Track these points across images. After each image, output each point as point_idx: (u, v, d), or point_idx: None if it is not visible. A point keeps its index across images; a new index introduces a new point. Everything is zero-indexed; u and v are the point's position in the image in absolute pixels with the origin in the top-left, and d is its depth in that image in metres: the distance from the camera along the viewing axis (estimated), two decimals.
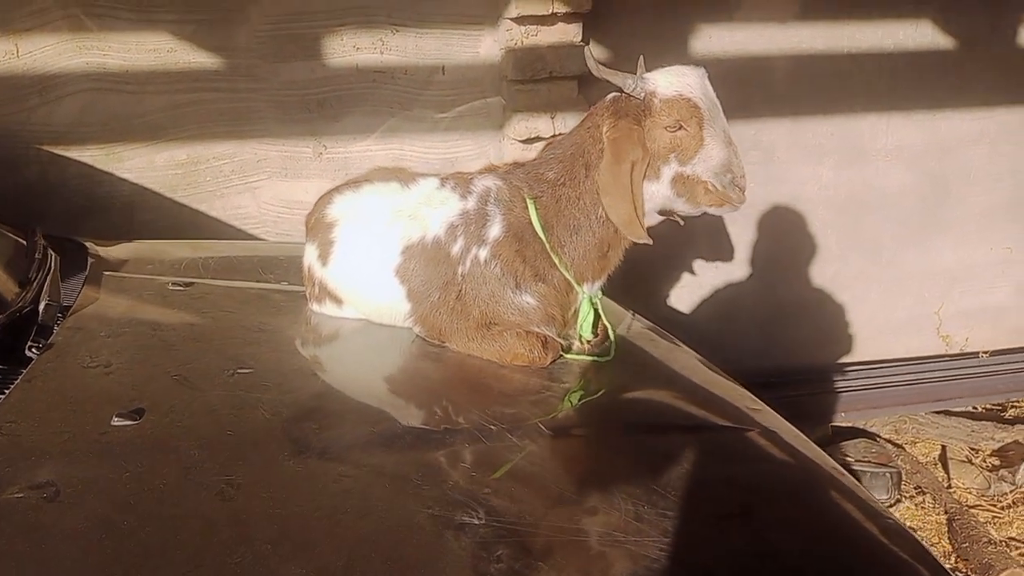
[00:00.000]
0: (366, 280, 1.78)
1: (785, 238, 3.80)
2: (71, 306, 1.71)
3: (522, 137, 3.22)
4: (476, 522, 1.10)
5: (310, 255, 1.87)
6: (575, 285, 1.68)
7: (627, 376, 1.70)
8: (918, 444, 3.66)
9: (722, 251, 3.75)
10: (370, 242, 1.77)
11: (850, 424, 3.71)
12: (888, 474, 3.14)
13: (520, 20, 3.11)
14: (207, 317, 1.74)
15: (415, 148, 3.36)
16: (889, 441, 3.63)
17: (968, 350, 4.21)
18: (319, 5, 3.13)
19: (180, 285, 1.92)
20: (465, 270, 1.67)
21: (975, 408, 3.89)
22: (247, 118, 3.19)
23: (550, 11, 3.09)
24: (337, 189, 1.91)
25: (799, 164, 3.74)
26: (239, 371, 1.45)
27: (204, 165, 3.22)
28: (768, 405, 1.68)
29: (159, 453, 1.18)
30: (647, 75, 1.63)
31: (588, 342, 1.75)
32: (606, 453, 1.32)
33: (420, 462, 1.23)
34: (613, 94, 1.66)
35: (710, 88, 1.62)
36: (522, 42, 3.14)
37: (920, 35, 3.67)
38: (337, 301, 1.85)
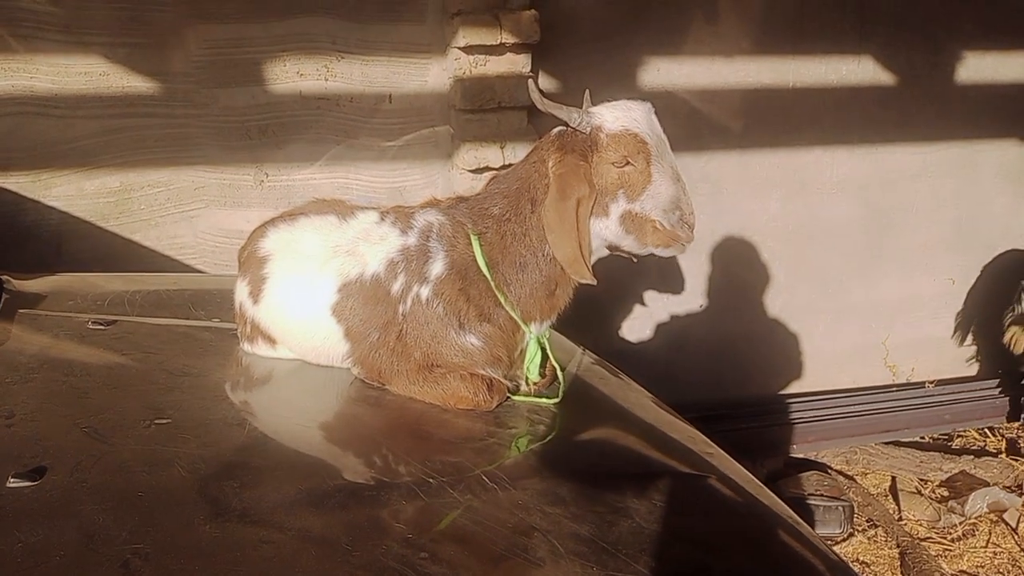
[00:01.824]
0: (301, 319, 1.68)
1: (734, 270, 3.80)
2: None
3: (471, 167, 3.16)
4: None
5: (241, 292, 1.76)
6: (522, 324, 1.61)
7: (577, 418, 1.63)
8: (868, 475, 3.66)
9: (673, 283, 3.73)
10: (305, 279, 1.67)
11: (802, 455, 3.70)
12: (841, 508, 3.12)
13: (468, 49, 3.06)
14: (128, 359, 1.61)
15: (361, 177, 3.27)
16: (840, 472, 3.62)
17: (914, 380, 4.26)
18: (260, 30, 3.04)
19: (101, 323, 1.79)
20: (406, 309, 1.58)
21: (923, 438, 3.92)
22: (184, 144, 3.07)
23: (498, 41, 3.05)
24: (271, 222, 1.81)
25: (747, 196, 3.75)
26: (156, 421, 1.34)
27: (138, 193, 3.09)
28: (721, 443, 1.62)
29: (59, 519, 1.06)
30: (593, 109, 1.58)
31: (536, 383, 1.68)
32: (553, 507, 1.24)
33: (351, 523, 1.13)
34: (559, 128, 1.61)
35: (657, 123, 1.57)
36: (471, 71, 3.09)
37: (863, 70, 3.74)
38: (270, 341, 1.74)
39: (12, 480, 1.11)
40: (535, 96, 1.57)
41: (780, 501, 1.46)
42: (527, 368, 1.65)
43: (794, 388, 4.03)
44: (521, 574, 1.08)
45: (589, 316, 3.59)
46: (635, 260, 1.74)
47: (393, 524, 1.15)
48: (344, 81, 3.16)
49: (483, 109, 3.13)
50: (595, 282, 1.56)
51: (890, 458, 3.67)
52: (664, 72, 3.51)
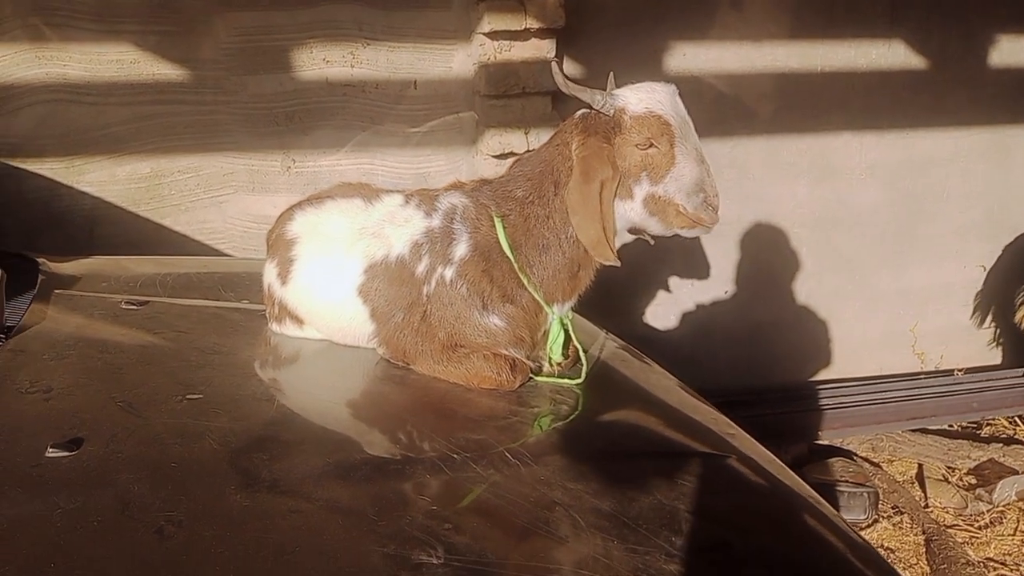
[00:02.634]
0: (328, 300, 1.71)
1: (760, 256, 3.78)
2: (16, 326, 1.62)
3: (495, 152, 3.17)
4: (435, 561, 1.02)
5: (270, 273, 1.80)
6: (544, 306, 1.62)
7: (599, 399, 1.64)
8: (895, 463, 3.63)
9: (697, 269, 3.72)
10: (332, 260, 1.70)
11: (827, 442, 3.68)
12: (866, 494, 3.10)
13: (493, 35, 3.07)
14: (160, 338, 1.65)
15: (386, 163, 3.29)
16: (866, 459, 3.60)
17: (943, 368, 4.21)
18: (287, 18, 3.07)
19: (134, 304, 1.83)
20: (430, 290, 1.61)
21: (951, 426, 3.88)
22: (213, 131, 3.12)
23: (523, 27, 3.05)
24: (298, 205, 1.84)
25: (774, 182, 3.72)
26: (188, 397, 1.37)
27: (168, 179, 3.14)
28: (744, 426, 1.62)
29: (95, 487, 1.10)
30: (616, 91, 1.58)
31: (558, 364, 1.69)
32: (575, 483, 1.25)
33: (377, 495, 1.16)
34: (582, 111, 1.61)
35: (681, 105, 1.57)
36: (495, 57, 3.10)
37: (893, 54, 3.68)
38: (298, 321, 1.77)
39: (51, 450, 1.15)
40: (559, 79, 1.58)
41: (802, 482, 1.46)
42: (550, 348, 1.67)
43: (821, 375, 4.00)
44: (543, 546, 1.10)
45: (613, 302, 3.60)
46: (652, 242, 1.74)
47: (418, 497, 1.17)
48: (370, 67, 3.19)
49: (507, 95, 3.13)
50: (619, 263, 1.57)
51: (917, 445, 3.63)
52: (690, 57, 3.48)
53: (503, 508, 1.17)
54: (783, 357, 3.91)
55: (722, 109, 3.58)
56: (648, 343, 3.66)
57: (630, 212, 1.59)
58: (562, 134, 1.62)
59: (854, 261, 3.92)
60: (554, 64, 1.61)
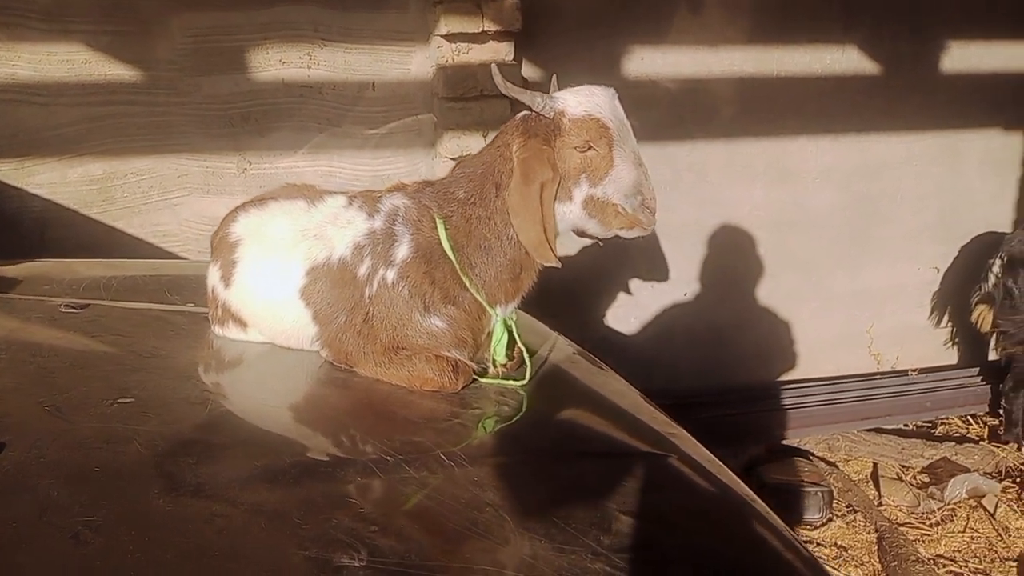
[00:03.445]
0: (270, 302, 1.69)
1: (719, 258, 3.82)
2: None
3: (454, 155, 3.17)
4: (356, 564, 1.02)
5: (213, 276, 1.78)
6: (487, 307, 1.63)
7: (542, 400, 1.64)
8: (850, 462, 3.69)
9: (657, 271, 3.75)
10: (274, 262, 1.69)
11: (785, 442, 3.72)
12: (820, 493, 3.14)
13: (450, 37, 3.07)
14: (97, 341, 1.63)
15: (344, 165, 3.28)
16: (822, 459, 3.65)
17: (899, 368, 4.27)
18: (243, 18, 3.05)
19: (73, 307, 1.81)
20: (372, 292, 1.60)
21: (905, 426, 3.95)
22: (167, 132, 3.09)
23: (480, 29, 3.06)
24: (242, 207, 1.83)
25: (732, 185, 3.77)
26: (120, 400, 1.35)
27: (121, 180, 3.10)
28: (691, 427, 1.64)
29: (15, 493, 1.08)
30: (556, 94, 1.59)
31: (503, 366, 1.69)
32: (508, 485, 1.26)
33: (303, 499, 1.15)
34: (523, 113, 1.62)
35: (620, 108, 1.58)
36: (453, 59, 3.10)
37: (847, 59, 3.75)
38: (241, 324, 1.76)
39: None
40: (498, 80, 1.59)
41: (740, 482, 1.48)
42: (494, 350, 1.67)
43: (780, 376, 4.05)
44: (469, 548, 1.10)
45: (573, 303, 3.62)
46: (601, 244, 1.75)
47: (346, 499, 1.17)
48: (327, 69, 3.17)
49: (465, 97, 3.14)
50: (559, 265, 1.58)
51: (872, 445, 3.69)
52: (648, 61, 3.51)
53: (432, 510, 1.17)
54: (743, 358, 3.95)
55: (680, 113, 3.61)
56: (609, 345, 3.71)
57: (570, 214, 1.60)
58: (503, 136, 1.62)
59: (810, 263, 3.97)
60: (493, 66, 1.61)
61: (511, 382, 1.68)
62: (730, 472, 1.53)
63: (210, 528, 1.07)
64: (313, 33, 3.13)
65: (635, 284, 3.75)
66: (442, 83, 3.12)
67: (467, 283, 1.59)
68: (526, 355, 1.70)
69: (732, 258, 3.86)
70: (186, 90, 3.05)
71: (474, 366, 1.65)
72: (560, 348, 2.03)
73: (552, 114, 1.55)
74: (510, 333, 1.69)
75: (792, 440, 3.75)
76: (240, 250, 1.74)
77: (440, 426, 1.49)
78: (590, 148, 1.53)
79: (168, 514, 1.08)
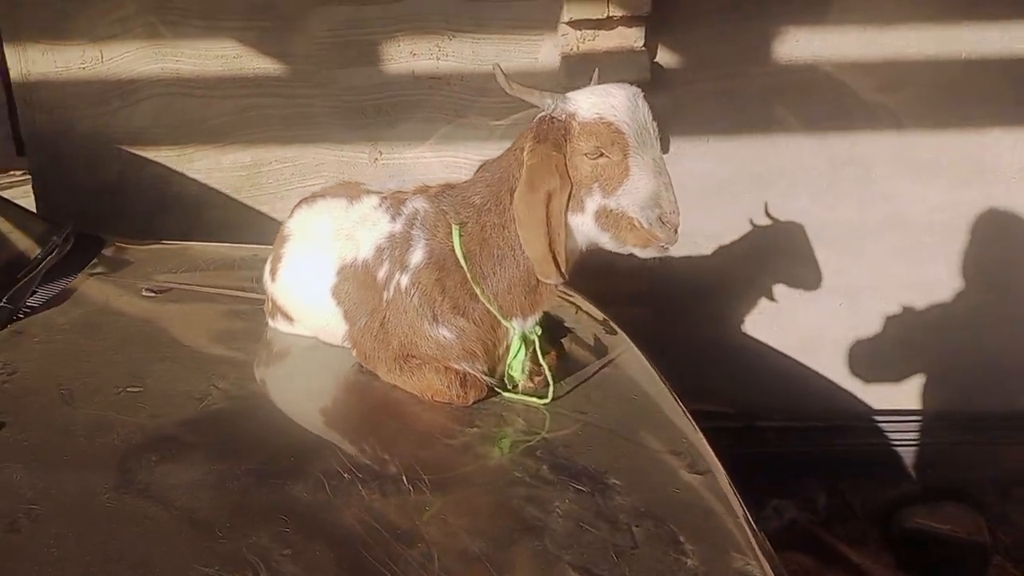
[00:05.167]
0: (308, 298, 1.72)
1: (883, 265, 3.37)
2: (34, 308, 1.77)
3: None
4: None
5: (266, 269, 1.84)
6: (502, 320, 1.53)
7: (560, 423, 1.53)
8: None
9: (806, 276, 3.39)
10: (312, 260, 1.71)
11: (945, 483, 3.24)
12: (971, 547, 2.69)
13: (575, 24, 2.95)
14: (150, 327, 1.75)
15: (469, 156, 3.28)
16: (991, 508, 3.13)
17: None
18: (376, 12, 3.12)
19: (153, 291, 1.95)
20: (389, 296, 1.57)
21: None
22: (306, 123, 3.25)
23: (605, 15, 2.90)
24: (302, 201, 1.87)
25: (903, 183, 3.30)
26: (128, 389, 1.44)
27: (266, 168, 3.32)
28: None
29: None
30: (570, 94, 1.45)
31: (526, 382, 1.59)
32: (457, 518, 1.18)
33: (237, 509, 1.15)
34: (541, 114, 1.49)
35: (642, 111, 1.40)
36: (577, 47, 2.98)
37: None
38: (288, 318, 1.81)
39: None
40: (500, 79, 1.48)
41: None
42: (509, 365, 1.57)
43: (947, 405, 3.51)
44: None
45: (705, 308, 3.38)
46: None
47: (278, 516, 1.15)
48: (455, 60, 3.18)
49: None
50: (561, 282, 1.45)
51: None
52: (804, 43, 3.16)
53: (356, 538, 1.12)
54: (906, 381, 3.48)
55: (841, 100, 3.22)
56: (745, 354, 3.43)
57: (583, 226, 1.46)
58: (521, 139, 1.51)
59: (1003, 275, 3.39)
60: (495, 66, 1.50)
61: (535, 400, 1.58)
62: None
63: (135, 531, 1.10)
64: (443, 25, 3.14)
65: (780, 290, 3.41)
66: (565, 72, 3.01)
67: (479, 293, 1.51)
68: (548, 373, 1.58)
69: (900, 266, 3.39)
70: (323, 82, 3.20)
71: (487, 380, 1.57)
72: (621, 363, 1.88)
73: (563, 116, 1.42)
74: (535, 348, 1.59)
75: (958, 480, 3.25)
76: (287, 245, 1.79)
77: (422, 442, 1.43)
78: (602, 155, 1.38)
79: (106, 512, 1.13)
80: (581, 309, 2.29)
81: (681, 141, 3.25)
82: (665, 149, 3.24)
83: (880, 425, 3.34)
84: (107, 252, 2.24)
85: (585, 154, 1.39)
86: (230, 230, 3.32)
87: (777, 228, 3.33)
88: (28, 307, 1.78)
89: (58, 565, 1.02)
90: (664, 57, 3.15)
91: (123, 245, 2.35)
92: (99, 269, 2.10)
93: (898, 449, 3.28)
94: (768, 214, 3.31)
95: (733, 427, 3.38)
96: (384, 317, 1.58)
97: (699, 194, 3.29)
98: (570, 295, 2.44)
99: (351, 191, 1.78)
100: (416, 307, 1.53)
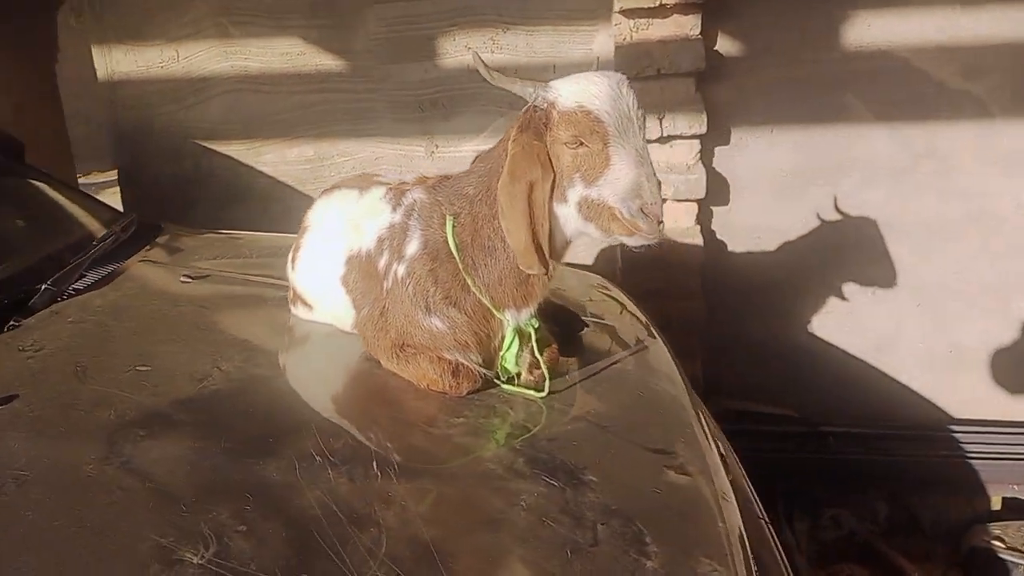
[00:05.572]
0: (321, 286, 1.77)
1: (967, 265, 3.15)
2: (79, 290, 1.89)
3: None
4: (195, 560, 1.04)
5: (289, 257, 1.90)
6: (495, 311, 1.52)
7: (552, 416, 1.50)
8: None
9: (878, 274, 3.20)
10: (325, 249, 1.75)
11: None
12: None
13: (627, 13, 2.89)
14: (176, 310, 1.84)
15: None
16: None
17: None
18: (430, 7, 3.16)
19: (190, 276, 2.04)
20: (388, 286, 1.59)
21: None
22: (365, 117, 3.33)
23: (658, 3, 2.83)
24: (324, 192, 1.92)
25: (988, 175, 3.06)
26: (139, 368, 1.52)
27: (328, 161, 3.42)
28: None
29: None
30: (552, 83, 1.42)
31: (519, 375, 1.58)
32: (416, 504, 1.18)
33: (206, 486, 1.19)
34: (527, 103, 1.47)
35: (625, 99, 1.35)
36: (630, 37, 2.92)
37: None
38: (307, 305, 1.86)
39: None
40: (480, 68, 1.46)
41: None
42: (503, 357, 1.56)
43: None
44: (320, 567, 1.05)
45: (767, 304, 3.24)
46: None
47: (243, 494, 1.18)
48: (510, 52, 3.18)
49: (641, 77, 2.93)
50: (545, 272, 1.42)
51: None
52: (877, 28, 2.98)
53: (312, 520, 1.14)
54: (990, 387, 3.24)
55: (918, 87, 3.02)
56: (810, 355, 3.27)
57: (568, 216, 1.43)
58: (509, 128, 1.49)
59: None
60: (474, 53, 1.49)
61: (532, 392, 1.57)
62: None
63: (106, 500, 1.16)
64: (496, 18, 3.14)
65: (850, 288, 3.24)
66: (617, 63, 2.95)
67: (470, 284, 1.51)
68: (544, 366, 1.56)
69: (986, 266, 3.15)
70: (380, 77, 3.26)
71: (483, 372, 1.56)
72: (639, 360, 1.84)
73: (545, 105, 1.39)
74: (532, 340, 1.57)
75: None
76: (306, 235, 1.84)
77: (407, 433, 1.44)
78: (581, 144, 1.34)
79: (86, 481, 1.19)
80: (626, 308, 2.25)
81: (743, 132, 3.13)
82: (726, 140, 3.14)
83: (958, 435, 3.12)
84: (161, 239, 2.36)
85: (565, 143, 1.36)
86: (294, 221, 3.43)
87: (847, 223, 3.16)
88: (75, 290, 1.90)
89: (30, 525, 1.09)
90: (724, 45, 3.04)
91: (179, 233, 2.47)
92: (150, 255, 2.22)
93: (976, 463, 3.05)
94: (838, 208, 3.15)
95: (795, 431, 3.23)
96: (384, 306, 1.60)
97: (763, 187, 3.16)
98: (611, 290, 2.41)
99: (363, 182, 1.81)
100: (411, 296, 1.54)
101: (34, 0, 5.11)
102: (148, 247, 2.28)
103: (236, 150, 3.46)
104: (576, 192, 1.39)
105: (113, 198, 3.66)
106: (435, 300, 1.52)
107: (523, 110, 1.48)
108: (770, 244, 3.25)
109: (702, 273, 3.10)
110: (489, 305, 1.52)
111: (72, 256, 2.03)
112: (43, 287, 1.81)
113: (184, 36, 3.34)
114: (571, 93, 1.36)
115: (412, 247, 1.56)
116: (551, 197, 1.40)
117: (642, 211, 1.32)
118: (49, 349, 1.59)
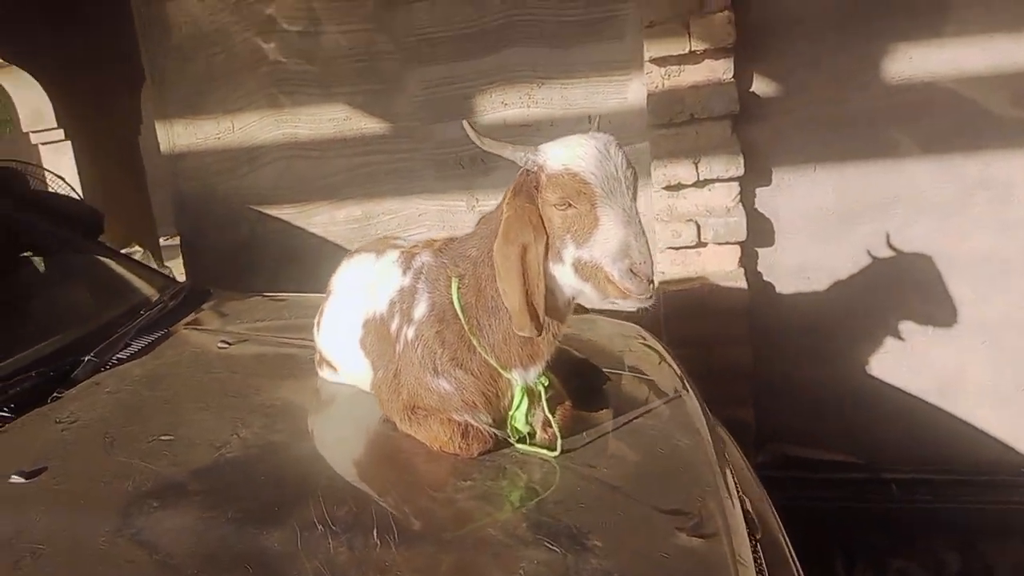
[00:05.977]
0: (342, 349, 1.81)
1: None
2: (119, 360, 1.99)
3: (663, 185, 3.00)
4: None
5: (315, 320, 1.96)
6: (502, 371, 1.52)
7: (554, 478, 1.48)
8: None
9: (938, 311, 3.07)
10: (344, 313, 1.80)
11: None
12: None
13: (658, 61, 2.91)
14: (208, 377, 1.91)
15: None
16: None
17: None
18: (467, 68, 3.25)
19: (228, 342, 2.12)
20: (400, 349, 1.62)
21: None
22: (409, 177, 3.43)
23: (687, 49, 2.84)
24: (348, 255, 1.98)
25: None
26: (162, 437, 1.57)
27: (375, 220, 3.52)
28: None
29: (8, 515, 1.33)
30: (542, 146, 1.43)
31: (532, 434, 1.57)
32: (452, 564, 1.19)
33: (208, 557, 1.21)
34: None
35: (613, 159, 1.35)
36: (662, 84, 2.93)
37: None
38: (332, 367, 1.90)
39: (14, 476, 1.42)
40: (471, 134, 1.49)
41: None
42: (512, 417, 1.56)
43: None
44: None
45: (825, 345, 3.14)
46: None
47: (243, 565, 1.21)
48: (545, 106, 3.23)
49: (674, 123, 2.94)
50: (539, 333, 1.42)
51: None
52: (919, 60, 2.90)
53: None
54: None
55: (968, 118, 2.92)
56: (868, 398, 3.14)
57: (564, 276, 1.43)
58: (506, 192, 1.51)
59: None
60: (464, 123, 1.52)
61: (545, 452, 1.56)
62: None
63: (113, 574, 1.20)
64: (532, 73, 3.21)
65: (908, 327, 3.11)
66: (650, 110, 2.96)
67: (476, 344, 1.52)
68: (555, 424, 1.55)
69: None
70: (421, 137, 3.36)
71: (494, 432, 1.56)
72: (662, 413, 1.80)
73: (535, 169, 1.41)
74: (540, 399, 1.57)
75: None
76: (329, 299, 1.89)
77: (412, 498, 1.43)
78: (569, 206, 1.35)
79: (97, 554, 1.24)
80: (664, 359, 2.22)
81: (784, 171, 3.08)
82: (768, 181, 3.09)
83: None
84: (207, 305, 2.46)
85: (554, 205, 1.38)
86: None
87: (900, 259, 3.05)
88: (117, 359, 2.00)
89: None
90: (760, 86, 3.02)
91: (226, 298, 2.57)
92: (195, 321, 2.32)
93: None
94: (890, 244, 3.05)
95: (855, 478, 3.09)
96: (396, 368, 1.63)
97: (808, 226, 3.09)
98: (648, 340, 2.37)
99: (380, 246, 1.85)
100: (420, 359, 1.56)
101: (119, 79, 5.50)
102: (195, 313, 2.37)
103: (288, 213, 3.60)
104: (570, 253, 1.39)
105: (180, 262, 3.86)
106: (442, 362, 1.54)
107: (520, 172, 1.50)
108: (820, 284, 3.16)
109: (749, 316, 3.03)
110: (495, 365, 1.53)
111: (119, 326, 2.13)
112: (87, 358, 1.90)
113: (239, 108, 3.52)
114: (558, 156, 1.38)
115: (420, 310, 1.58)
116: (546, 258, 1.41)
117: (631, 271, 1.31)
118: (84, 420, 1.67)
